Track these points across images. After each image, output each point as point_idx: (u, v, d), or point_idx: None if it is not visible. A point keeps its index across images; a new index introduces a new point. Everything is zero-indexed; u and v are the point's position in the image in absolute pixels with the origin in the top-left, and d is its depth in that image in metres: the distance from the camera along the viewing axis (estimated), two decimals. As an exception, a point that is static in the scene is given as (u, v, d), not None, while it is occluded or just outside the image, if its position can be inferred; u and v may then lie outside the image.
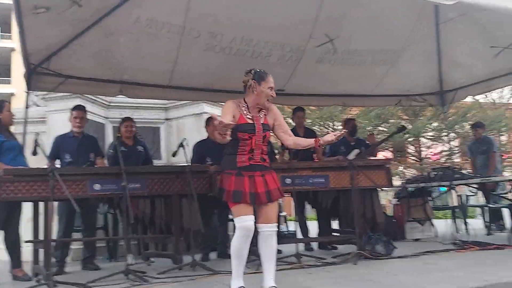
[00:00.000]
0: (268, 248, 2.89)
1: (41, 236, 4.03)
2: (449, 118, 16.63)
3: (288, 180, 4.49)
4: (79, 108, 4.83)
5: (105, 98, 6.77)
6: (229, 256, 4.66)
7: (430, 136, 17.65)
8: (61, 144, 4.68)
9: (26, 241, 4.05)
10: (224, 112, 2.96)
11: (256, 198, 2.88)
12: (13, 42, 27.34)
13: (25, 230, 4.30)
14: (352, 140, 5.82)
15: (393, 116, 16.52)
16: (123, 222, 5.03)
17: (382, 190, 5.85)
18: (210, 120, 5.05)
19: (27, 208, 4.26)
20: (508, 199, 5.74)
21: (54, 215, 4.17)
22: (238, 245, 2.85)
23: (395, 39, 5.49)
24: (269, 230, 2.89)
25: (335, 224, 5.70)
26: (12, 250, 4.15)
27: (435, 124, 16.89)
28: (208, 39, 4.96)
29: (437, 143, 17.56)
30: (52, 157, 4.55)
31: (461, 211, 6.60)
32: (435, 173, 5.79)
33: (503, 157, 20.15)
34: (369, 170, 4.58)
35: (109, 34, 4.70)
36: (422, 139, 17.87)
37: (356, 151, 5.49)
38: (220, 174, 3.05)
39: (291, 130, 5.61)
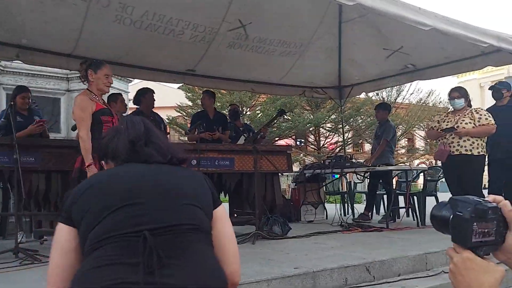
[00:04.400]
0: None
1: None
2: (345, 112, 17.81)
3: (194, 161, 4.56)
4: None
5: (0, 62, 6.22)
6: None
7: (328, 127, 18.75)
8: None
9: None
10: (81, 113, 3.29)
11: None
12: None
13: None
14: (240, 125, 6.16)
15: (297, 106, 17.24)
16: (15, 197, 4.69)
17: (282, 174, 6.11)
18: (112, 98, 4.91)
19: None
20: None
21: None
22: None
23: (303, 33, 5.74)
24: None
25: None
26: None
27: (333, 116, 18.01)
28: (119, 10, 4.73)
29: (333, 134, 18.72)
30: None
31: (349, 196, 7.19)
32: (329, 160, 6.23)
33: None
34: (271, 155, 4.78)
35: (8, -7, 4.30)
36: (321, 130, 18.93)
37: (244, 136, 5.77)
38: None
39: (201, 112, 5.68)
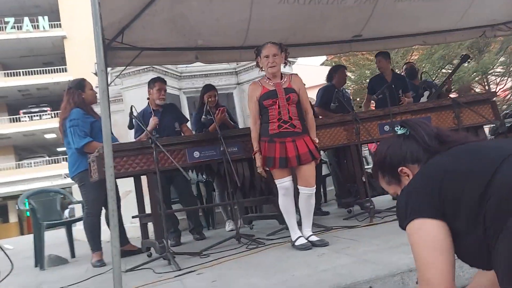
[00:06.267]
0: (306, 206, 3.34)
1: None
2: (516, 51, 15.47)
3: (387, 127, 4.31)
4: (161, 80, 4.73)
5: (177, 69, 6.73)
6: (322, 213, 4.67)
7: (498, 72, 16.56)
8: (142, 122, 4.39)
9: (133, 217, 4.01)
10: (249, 103, 3.45)
11: (287, 162, 3.24)
12: (63, 30, 28.07)
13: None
14: (418, 83, 5.76)
15: (457, 56, 15.55)
16: (218, 189, 5.03)
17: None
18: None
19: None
20: None
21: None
22: (283, 203, 3.33)
23: None
24: (307, 193, 3.31)
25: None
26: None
27: (502, 59, 15.82)
28: (282, -10, 4.69)
29: (506, 78, 16.46)
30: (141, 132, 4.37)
31: None
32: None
33: None
34: (474, 106, 4.26)
35: (180, -1, 4.54)
36: (490, 77, 16.80)
37: (426, 92, 5.35)
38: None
39: (378, 76, 5.38)
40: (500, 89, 16.84)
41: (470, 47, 15.65)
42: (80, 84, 4.23)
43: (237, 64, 6.91)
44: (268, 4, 4.76)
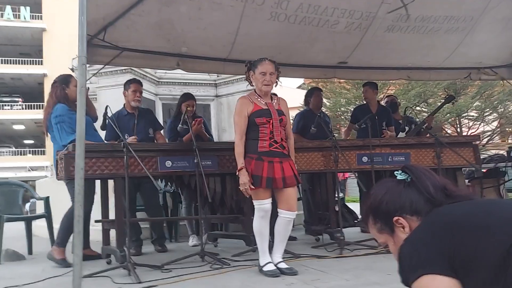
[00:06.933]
0: (284, 231, 3.21)
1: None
2: (493, 97, 15.88)
3: (365, 159, 4.24)
4: (137, 81, 4.57)
5: (156, 74, 6.55)
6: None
7: (471, 116, 16.95)
8: (116, 124, 4.13)
9: (96, 221, 3.82)
10: (237, 117, 3.28)
11: (273, 182, 3.13)
12: (43, 22, 27.49)
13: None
14: (399, 118, 5.67)
15: (433, 95, 15.87)
16: (186, 201, 4.83)
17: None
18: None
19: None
20: None
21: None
22: (258, 225, 3.17)
23: (475, 3, 4.95)
24: (287, 217, 3.18)
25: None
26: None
27: (477, 103, 16.21)
28: (274, 7, 4.57)
29: (479, 123, 16.85)
30: (114, 138, 4.13)
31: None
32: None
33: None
34: (456, 147, 4.21)
35: (170, 2, 4.40)
36: (463, 120, 17.17)
37: (406, 128, 5.31)
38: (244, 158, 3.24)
39: (363, 105, 5.34)
40: (471, 133, 17.25)
41: (448, 87, 16.01)
42: (65, 80, 4.13)
43: (218, 76, 6.79)
44: (258, 19, 4.66)
